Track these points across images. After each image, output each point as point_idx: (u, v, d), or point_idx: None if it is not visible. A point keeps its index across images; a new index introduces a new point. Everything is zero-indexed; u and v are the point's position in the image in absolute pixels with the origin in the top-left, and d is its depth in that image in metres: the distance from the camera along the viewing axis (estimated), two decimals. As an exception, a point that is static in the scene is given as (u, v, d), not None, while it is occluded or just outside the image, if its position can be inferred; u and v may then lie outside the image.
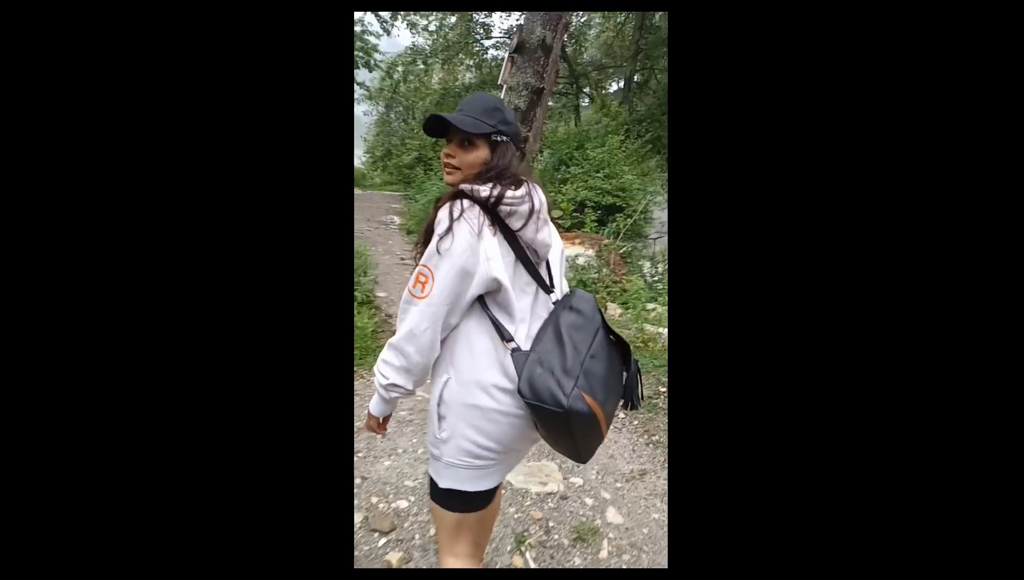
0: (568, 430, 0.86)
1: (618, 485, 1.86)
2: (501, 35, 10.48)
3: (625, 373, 0.99)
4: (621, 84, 11.42)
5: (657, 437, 2.14)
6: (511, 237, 0.91)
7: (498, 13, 10.38)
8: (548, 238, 0.97)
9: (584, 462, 0.95)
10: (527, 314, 0.94)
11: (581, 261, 4.37)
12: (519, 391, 0.85)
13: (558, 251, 1.05)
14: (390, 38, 9.78)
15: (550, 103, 7.14)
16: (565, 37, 6.91)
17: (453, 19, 10.41)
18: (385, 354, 0.89)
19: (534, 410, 0.85)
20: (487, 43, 10.69)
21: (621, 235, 4.96)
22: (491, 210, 0.87)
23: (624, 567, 1.45)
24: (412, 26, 10.19)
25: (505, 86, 5.85)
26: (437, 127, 0.93)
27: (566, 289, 1.06)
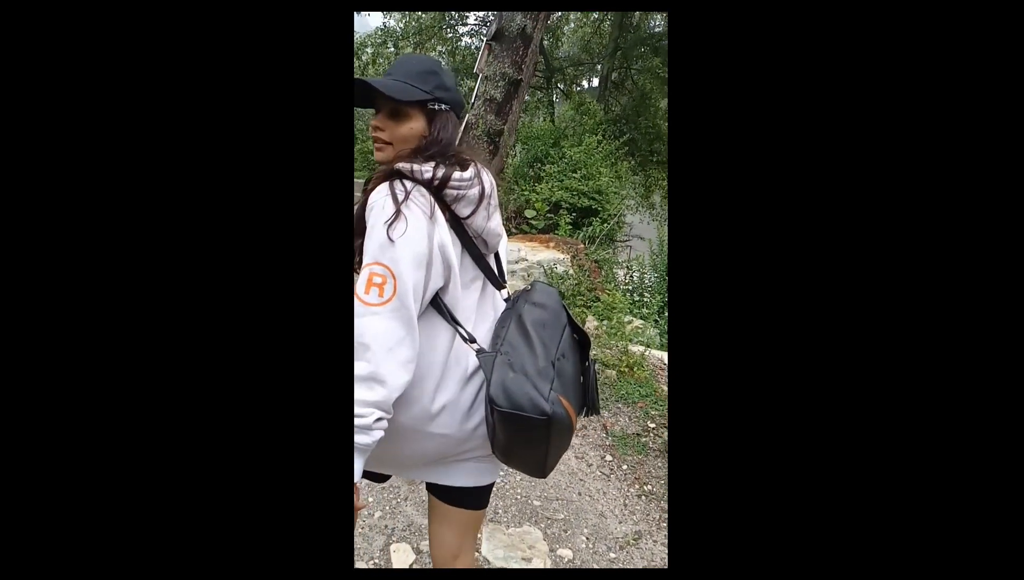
0: (545, 440, 0.76)
1: (612, 555, 1.59)
2: (477, 22, 10.08)
3: (583, 376, 0.89)
4: (595, 82, 11.26)
5: (650, 486, 1.88)
6: (457, 225, 0.79)
7: (474, -1, 10.00)
8: (499, 227, 0.86)
9: (544, 477, 0.83)
10: (472, 313, 0.83)
11: (560, 269, 4.08)
12: (489, 399, 0.74)
13: (504, 242, 0.94)
14: (359, 16, 9.25)
15: (526, 97, 6.84)
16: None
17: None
18: (358, 392, 0.67)
19: (508, 420, 0.74)
20: (462, 29, 10.27)
21: (598, 241, 4.71)
22: (436, 194, 0.76)
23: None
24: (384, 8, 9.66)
25: (481, 75, 5.53)
26: (363, 95, 0.79)
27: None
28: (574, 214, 5.07)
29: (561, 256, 4.20)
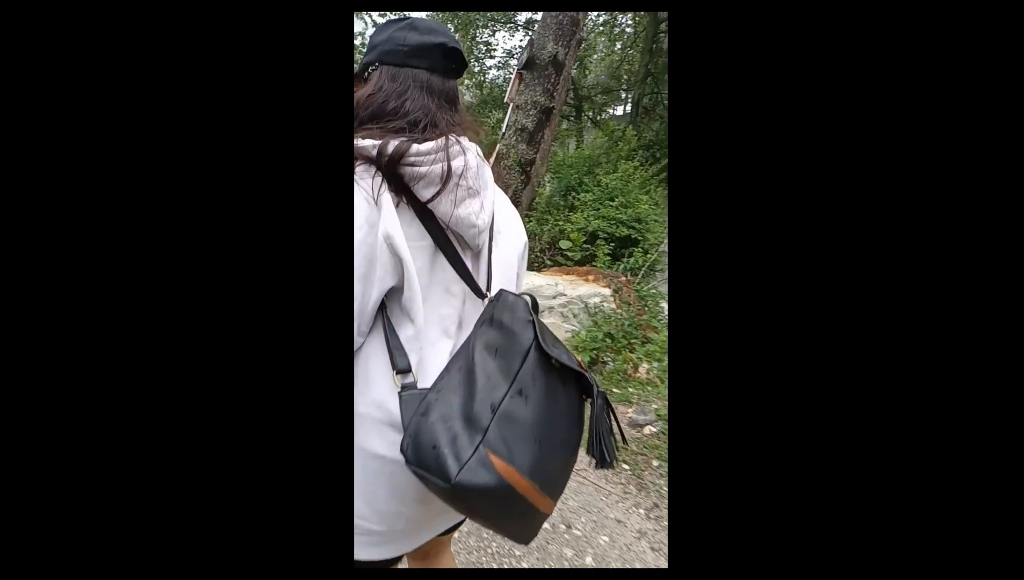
0: (471, 511, 0.59)
1: None
2: (504, 55, 10.15)
3: (590, 411, 0.67)
4: (624, 109, 11.13)
5: None
6: (427, 214, 0.64)
7: (501, 33, 10.10)
8: (478, 217, 0.67)
9: (527, 543, 0.66)
10: (452, 327, 0.67)
11: (596, 301, 3.77)
12: (402, 450, 0.58)
13: (511, 242, 0.76)
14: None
15: (556, 125, 6.70)
16: (574, 56, 6.53)
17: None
18: None
19: (421, 481, 0.57)
20: (488, 63, 10.36)
21: (642, 273, 4.39)
22: (389, 173, 0.62)
23: None
24: (411, 43, 9.83)
25: (512, 105, 5.40)
26: None
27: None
28: (612, 244, 4.78)
29: (603, 290, 3.90)
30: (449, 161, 0.63)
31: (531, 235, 5.08)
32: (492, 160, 5.24)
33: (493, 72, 10.58)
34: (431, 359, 0.64)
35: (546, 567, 1.58)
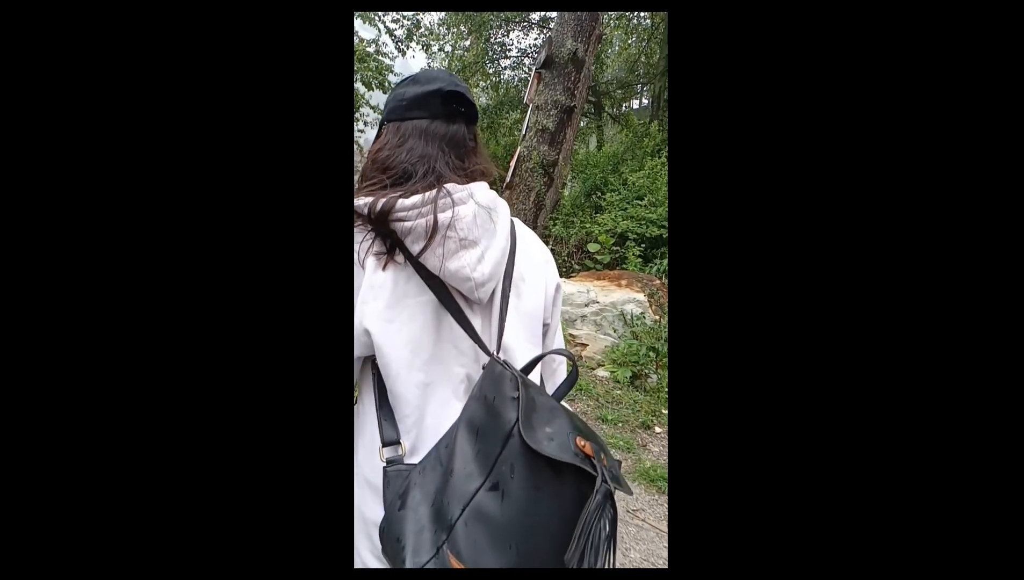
0: None
1: None
2: (518, 54, 10.01)
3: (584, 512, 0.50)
4: (641, 103, 10.88)
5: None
6: (424, 268, 0.61)
7: (515, 32, 9.96)
8: (474, 269, 0.61)
9: None
10: (462, 387, 0.62)
11: (631, 308, 3.60)
12: (380, 531, 0.55)
13: (536, 289, 0.70)
14: (404, 59, 9.39)
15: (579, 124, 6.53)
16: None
17: (467, 42, 10.00)
18: None
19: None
20: (504, 63, 10.22)
21: (674, 274, 4.21)
22: (379, 230, 0.61)
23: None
24: (426, 48, 9.81)
25: (531, 105, 5.26)
26: None
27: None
28: (643, 245, 4.60)
29: (637, 295, 3.73)
30: (436, 214, 0.60)
31: (557, 239, 4.92)
32: (513, 163, 5.10)
33: (508, 72, 10.44)
34: (436, 423, 0.60)
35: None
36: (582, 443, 0.52)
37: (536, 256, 0.72)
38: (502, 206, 0.67)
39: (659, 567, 1.75)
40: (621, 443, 2.49)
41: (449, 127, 0.67)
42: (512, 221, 0.70)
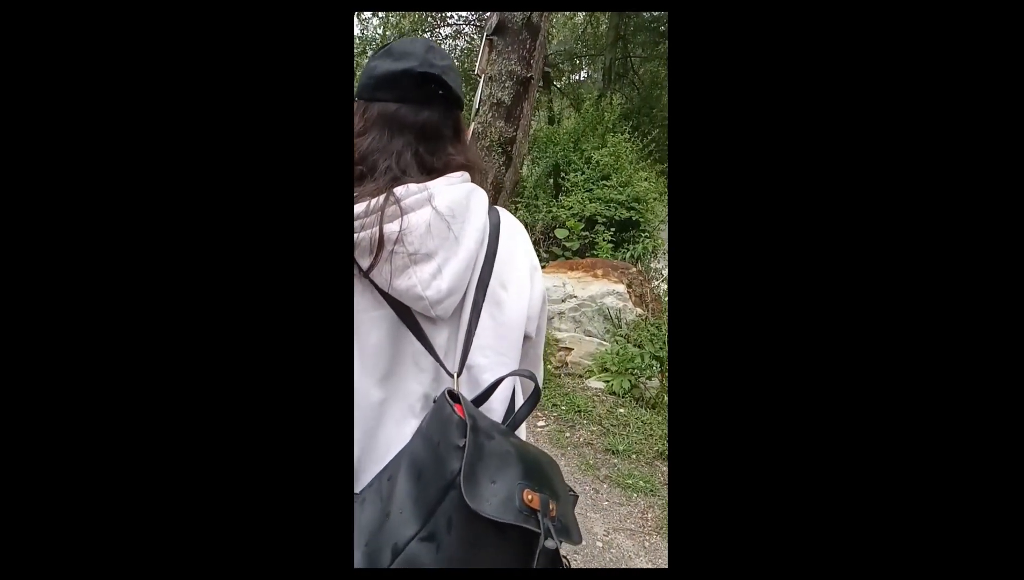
0: None
1: None
2: (459, 21, 9.33)
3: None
4: (585, 75, 10.56)
5: None
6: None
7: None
8: (427, 287, 0.57)
9: None
10: (418, 405, 0.60)
11: (611, 302, 3.28)
12: None
13: (517, 300, 0.65)
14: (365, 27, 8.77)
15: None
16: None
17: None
18: None
19: None
20: (445, 31, 9.52)
21: (648, 261, 3.93)
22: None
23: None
24: (356, 13, 9.03)
25: (484, 77, 4.76)
26: None
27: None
28: (613, 229, 4.29)
29: (615, 287, 3.41)
30: (382, 225, 0.56)
31: (523, 225, 4.53)
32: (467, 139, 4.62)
33: (449, 42, 9.76)
34: (387, 442, 0.58)
35: None
36: (529, 497, 0.51)
37: (518, 260, 0.66)
38: (476, 204, 0.62)
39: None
40: (642, 484, 2.14)
41: (420, 114, 0.62)
42: (499, 217, 0.65)
